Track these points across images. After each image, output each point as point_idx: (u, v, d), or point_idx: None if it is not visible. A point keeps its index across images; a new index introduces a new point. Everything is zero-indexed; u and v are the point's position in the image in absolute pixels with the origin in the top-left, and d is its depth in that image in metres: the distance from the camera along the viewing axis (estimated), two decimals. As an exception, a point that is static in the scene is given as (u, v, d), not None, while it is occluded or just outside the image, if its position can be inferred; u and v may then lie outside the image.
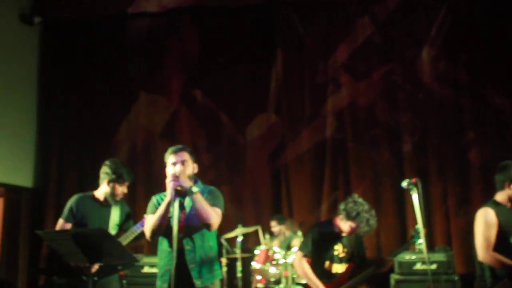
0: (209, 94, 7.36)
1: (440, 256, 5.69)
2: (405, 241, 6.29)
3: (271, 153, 7.10)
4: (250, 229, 6.28)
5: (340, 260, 4.38)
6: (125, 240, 4.29)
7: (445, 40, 6.74)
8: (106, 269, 4.22)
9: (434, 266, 5.57)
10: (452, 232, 6.32)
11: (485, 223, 3.67)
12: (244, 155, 7.16)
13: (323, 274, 4.31)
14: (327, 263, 4.35)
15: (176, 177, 3.28)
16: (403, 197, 6.40)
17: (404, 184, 3.81)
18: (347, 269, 4.37)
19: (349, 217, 4.22)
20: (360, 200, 4.30)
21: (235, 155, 7.18)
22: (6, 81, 7.12)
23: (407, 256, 5.75)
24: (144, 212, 3.72)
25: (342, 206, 4.32)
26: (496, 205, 3.73)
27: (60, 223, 4.31)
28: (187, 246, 3.42)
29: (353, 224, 4.23)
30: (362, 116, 6.87)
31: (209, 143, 7.26)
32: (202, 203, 3.34)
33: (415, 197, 3.70)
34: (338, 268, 4.36)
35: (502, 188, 3.75)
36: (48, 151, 7.53)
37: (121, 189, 4.34)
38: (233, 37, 7.35)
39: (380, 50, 6.98)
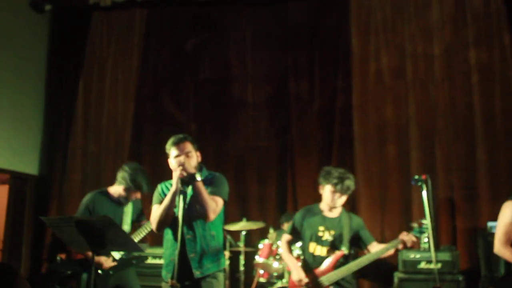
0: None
1: (445, 256, 5.61)
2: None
3: (278, 147, 7.02)
4: (256, 225, 6.24)
5: (323, 243, 4.14)
6: (138, 235, 4.35)
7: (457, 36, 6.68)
8: (121, 264, 4.26)
9: (439, 265, 5.49)
10: (458, 231, 6.23)
11: (511, 215, 3.53)
12: (251, 148, 7.09)
13: (309, 256, 4.17)
14: (311, 245, 4.18)
15: (182, 167, 3.26)
16: (410, 194, 6.34)
17: (414, 180, 3.76)
18: (336, 257, 4.09)
19: (323, 180, 4.13)
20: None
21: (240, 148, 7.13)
22: (15, 69, 7.11)
23: (412, 255, 5.69)
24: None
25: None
26: None
27: None
28: (188, 235, 3.37)
29: (330, 187, 4.08)
30: (370, 111, 6.80)
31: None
32: (202, 192, 3.29)
33: (424, 194, 3.65)
34: (320, 251, 4.14)
35: None
36: (54, 139, 7.50)
37: (135, 195, 4.40)
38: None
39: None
